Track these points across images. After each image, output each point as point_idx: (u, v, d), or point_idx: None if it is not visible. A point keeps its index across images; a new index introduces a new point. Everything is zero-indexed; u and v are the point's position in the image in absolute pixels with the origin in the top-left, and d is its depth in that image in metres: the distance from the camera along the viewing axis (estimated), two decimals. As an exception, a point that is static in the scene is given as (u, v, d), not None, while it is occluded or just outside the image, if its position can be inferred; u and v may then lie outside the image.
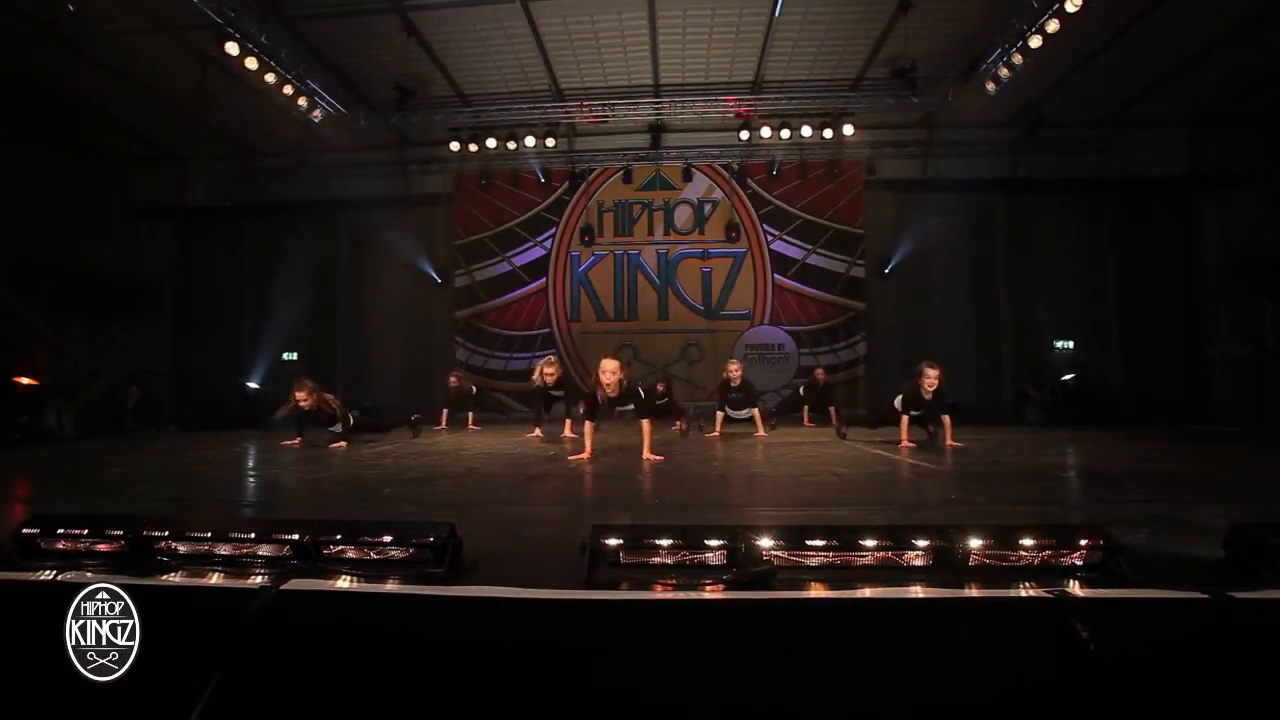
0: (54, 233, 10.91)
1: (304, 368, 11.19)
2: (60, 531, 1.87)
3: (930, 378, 5.74)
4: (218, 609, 1.60)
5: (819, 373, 9.70)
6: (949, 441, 5.78)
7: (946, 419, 5.93)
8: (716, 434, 7.47)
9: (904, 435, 5.82)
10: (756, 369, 11.42)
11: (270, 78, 8.78)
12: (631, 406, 5.56)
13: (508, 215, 12.74)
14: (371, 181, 12.62)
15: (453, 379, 9.51)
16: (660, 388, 8.06)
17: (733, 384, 7.69)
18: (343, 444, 6.43)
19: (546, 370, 7.09)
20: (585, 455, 5.17)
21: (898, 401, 6.11)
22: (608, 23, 9.28)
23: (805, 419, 9.45)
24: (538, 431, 7.55)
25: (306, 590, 1.62)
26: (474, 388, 9.79)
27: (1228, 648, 1.46)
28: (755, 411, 7.71)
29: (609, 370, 5.17)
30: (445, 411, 9.28)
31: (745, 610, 1.55)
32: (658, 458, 5.02)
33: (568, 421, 7.32)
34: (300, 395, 6.48)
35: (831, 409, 8.52)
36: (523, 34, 9.38)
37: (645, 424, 5.38)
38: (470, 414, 9.44)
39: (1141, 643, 1.46)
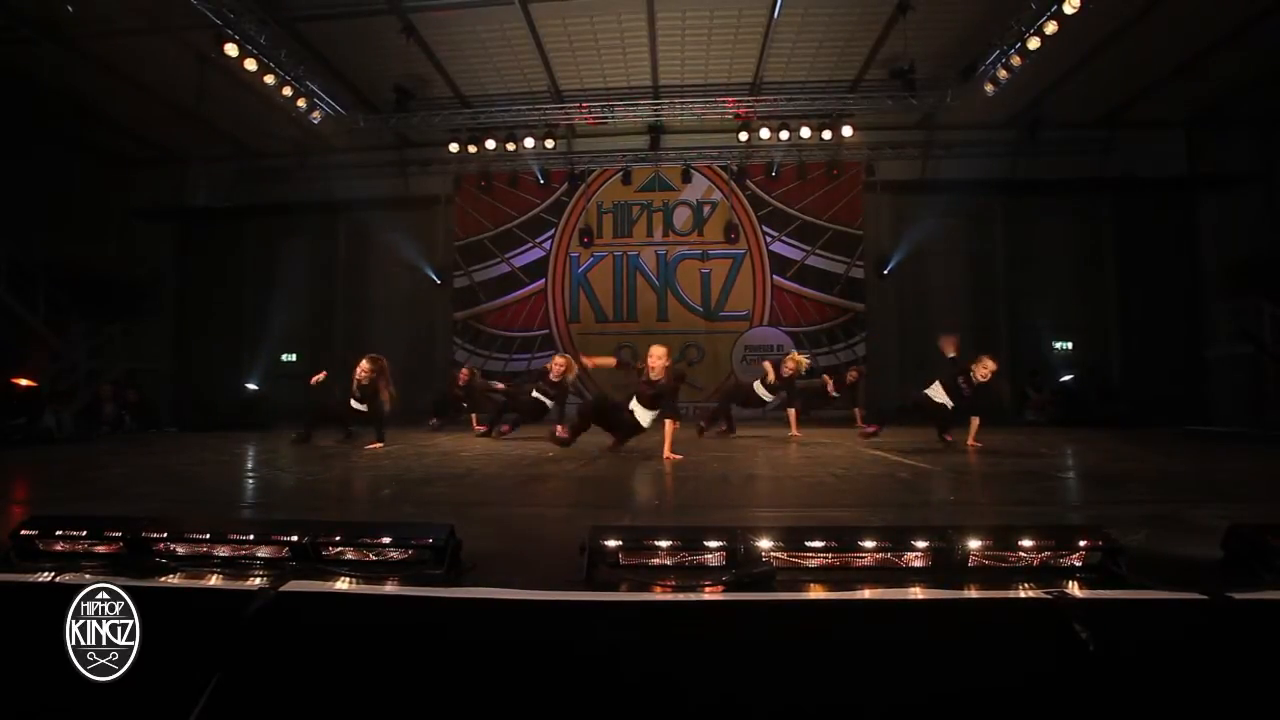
0: (53, 233, 10.91)
1: (304, 368, 11.19)
2: (59, 533, 1.87)
3: (988, 367, 5.79)
4: (217, 610, 1.60)
5: (852, 373, 9.64)
6: (971, 442, 5.77)
7: (975, 420, 5.96)
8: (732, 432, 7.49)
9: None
10: (756, 370, 11.43)
11: (269, 79, 8.80)
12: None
13: (507, 216, 12.76)
14: (371, 182, 12.63)
15: (464, 372, 9.40)
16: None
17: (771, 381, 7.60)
18: (379, 445, 6.29)
19: (556, 362, 7.17)
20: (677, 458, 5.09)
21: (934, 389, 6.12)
22: (607, 24, 9.29)
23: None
24: (503, 428, 7.58)
25: (305, 592, 1.62)
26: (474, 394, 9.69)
27: (1226, 648, 1.46)
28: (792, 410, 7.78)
29: (657, 355, 5.41)
30: (435, 413, 9.26)
31: (744, 611, 1.55)
32: (678, 457, 5.03)
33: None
34: (363, 366, 6.55)
35: (856, 410, 8.84)
36: (522, 36, 9.39)
37: (669, 424, 5.34)
38: (475, 415, 9.34)
39: (1140, 643, 1.46)
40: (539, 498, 3.68)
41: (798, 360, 7.59)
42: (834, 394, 9.18)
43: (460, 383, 9.24)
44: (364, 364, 6.70)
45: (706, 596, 1.60)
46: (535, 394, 7.23)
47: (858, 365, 10.65)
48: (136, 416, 10.52)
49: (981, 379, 5.82)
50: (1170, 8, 8.34)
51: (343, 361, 7.01)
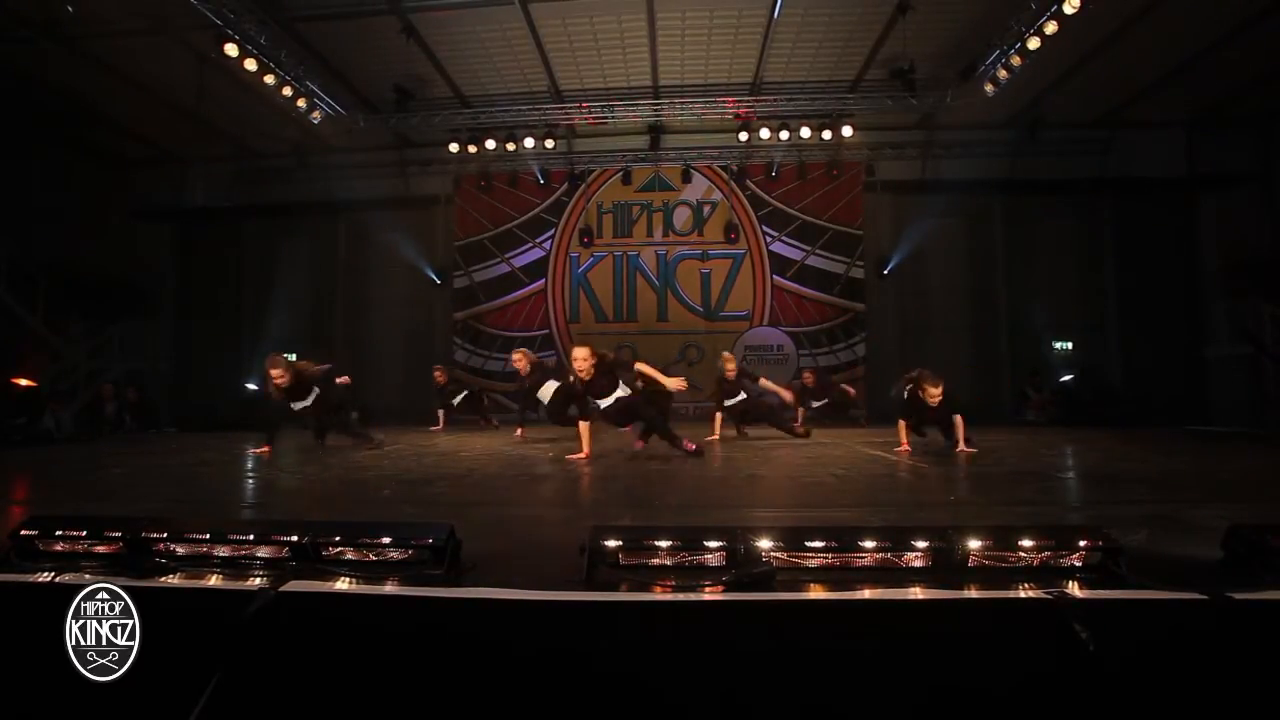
0: (53, 233, 10.90)
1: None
2: (59, 533, 1.87)
3: (934, 395, 5.44)
4: (217, 610, 1.60)
5: (807, 375, 9.80)
6: (961, 447, 5.48)
7: (959, 419, 5.60)
8: (715, 438, 7.37)
9: (903, 440, 5.74)
10: (756, 370, 11.43)
11: (269, 79, 8.79)
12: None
13: (507, 216, 12.75)
14: (371, 182, 12.62)
15: (437, 373, 9.55)
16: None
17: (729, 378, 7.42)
18: (372, 446, 6.18)
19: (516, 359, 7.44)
20: (584, 455, 5.15)
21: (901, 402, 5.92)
22: (607, 24, 9.28)
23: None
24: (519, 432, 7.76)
25: (305, 592, 1.62)
26: (460, 385, 9.77)
27: (1226, 648, 1.46)
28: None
29: (579, 357, 5.06)
30: (442, 414, 9.31)
31: (744, 612, 1.56)
32: (692, 447, 5.09)
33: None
34: (275, 373, 5.67)
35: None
36: (522, 36, 9.38)
37: (583, 426, 5.29)
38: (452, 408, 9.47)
39: (1140, 644, 1.46)
40: (539, 498, 3.68)
41: (726, 359, 7.49)
42: (815, 403, 9.26)
43: (441, 384, 9.37)
44: (273, 371, 5.81)
45: (706, 596, 1.60)
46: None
47: (812, 369, 10.30)
48: (136, 416, 10.53)
49: (933, 403, 5.55)
50: (1170, 8, 8.33)
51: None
